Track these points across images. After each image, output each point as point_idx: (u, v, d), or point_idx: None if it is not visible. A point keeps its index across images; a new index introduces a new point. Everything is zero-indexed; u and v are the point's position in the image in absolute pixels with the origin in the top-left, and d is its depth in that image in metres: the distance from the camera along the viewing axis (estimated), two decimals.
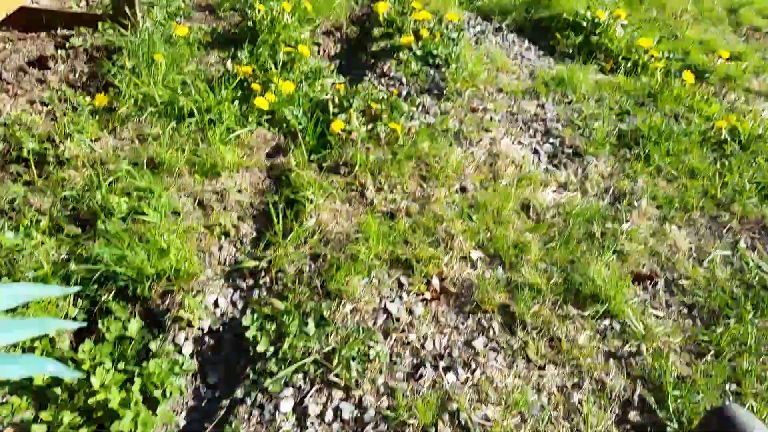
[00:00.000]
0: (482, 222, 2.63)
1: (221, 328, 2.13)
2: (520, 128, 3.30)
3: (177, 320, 2.08)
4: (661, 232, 2.66)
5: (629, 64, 3.87)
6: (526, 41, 4.17)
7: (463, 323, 2.23)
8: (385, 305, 2.24)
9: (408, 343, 2.13)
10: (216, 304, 2.19)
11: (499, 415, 1.93)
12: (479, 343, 2.16)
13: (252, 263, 2.34)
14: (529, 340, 2.17)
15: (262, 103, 3.07)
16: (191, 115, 2.98)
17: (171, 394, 1.88)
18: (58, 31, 3.74)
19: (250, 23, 3.74)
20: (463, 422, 1.90)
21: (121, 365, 1.90)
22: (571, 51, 4.04)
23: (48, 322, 1.23)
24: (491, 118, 3.32)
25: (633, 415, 1.99)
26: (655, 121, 3.28)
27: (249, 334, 2.03)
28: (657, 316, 2.32)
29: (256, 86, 3.18)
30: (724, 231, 2.72)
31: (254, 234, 2.54)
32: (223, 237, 2.46)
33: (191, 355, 2.04)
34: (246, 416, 1.88)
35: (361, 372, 1.99)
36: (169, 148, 2.77)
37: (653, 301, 2.39)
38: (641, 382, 2.09)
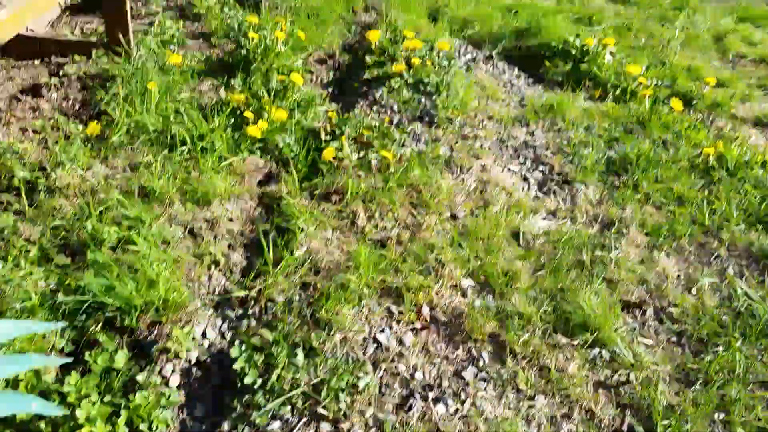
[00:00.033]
0: (472, 250, 2.64)
1: (209, 360, 2.12)
2: (510, 155, 3.33)
3: (164, 351, 2.07)
4: (649, 260, 2.68)
5: (618, 92, 3.92)
6: (516, 69, 4.22)
7: (453, 353, 2.23)
8: (374, 335, 2.24)
9: (397, 373, 2.12)
10: (204, 334, 2.18)
11: None
12: (469, 373, 2.15)
13: (241, 293, 2.34)
14: (519, 369, 2.17)
15: (254, 131, 3.09)
16: (183, 143, 3.00)
17: (157, 427, 1.87)
18: (53, 59, 3.77)
19: (243, 51, 3.78)
20: None
21: (107, 398, 1.89)
22: (560, 79, 4.09)
23: (32, 359, 1.23)
24: (482, 146, 3.35)
25: None
26: (644, 149, 3.31)
27: (237, 366, 2.02)
28: (646, 345, 2.32)
29: (248, 114, 3.21)
30: (712, 258, 2.73)
31: (244, 263, 2.54)
32: (212, 266, 2.46)
33: (178, 387, 2.03)
34: None
35: (350, 404, 1.98)
36: (161, 176, 2.78)
37: (642, 329, 2.39)
38: (630, 411, 2.09)
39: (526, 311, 2.36)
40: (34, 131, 3.07)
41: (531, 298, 2.44)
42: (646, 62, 4.29)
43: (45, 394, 1.85)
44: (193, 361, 2.10)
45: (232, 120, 3.22)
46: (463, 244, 2.66)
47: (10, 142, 2.87)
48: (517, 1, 5.24)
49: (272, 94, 3.46)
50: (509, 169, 3.21)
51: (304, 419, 1.93)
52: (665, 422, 2.03)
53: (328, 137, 3.19)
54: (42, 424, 1.77)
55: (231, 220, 2.71)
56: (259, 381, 2.00)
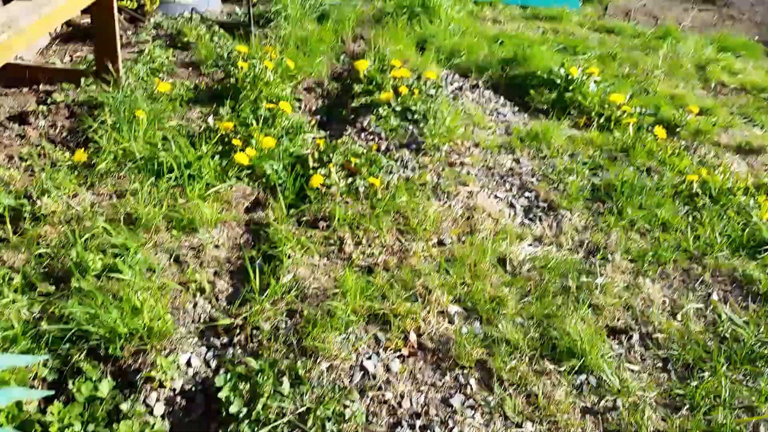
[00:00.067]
0: (459, 276, 2.65)
1: (194, 388, 2.10)
2: (497, 182, 3.36)
3: (149, 380, 2.05)
4: (635, 286, 2.70)
5: (602, 120, 3.97)
6: (502, 98, 4.28)
7: (440, 380, 2.22)
8: (361, 362, 2.23)
9: (385, 401, 2.11)
10: (189, 363, 2.16)
11: None
12: (457, 400, 2.14)
13: (227, 321, 2.33)
14: (507, 396, 2.16)
15: (242, 158, 3.10)
16: (171, 170, 3.00)
17: None
18: (41, 86, 3.79)
19: (232, 80, 3.81)
20: None
21: (90, 427, 1.87)
22: (545, 107, 4.14)
23: (13, 393, 1.22)
24: (468, 173, 3.37)
25: None
26: (628, 176, 3.35)
27: (222, 395, 2.00)
28: (632, 370, 2.33)
29: (236, 142, 3.22)
30: (697, 284, 2.75)
31: (230, 290, 2.53)
32: (198, 294, 2.45)
33: (163, 416, 2.00)
34: None
35: None
36: (147, 204, 2.77)
37: (628, 355, 2.40)
38: None
39: (513, 337, 2.36)
40: (21, 158, 3.07)
41: (518, 324, 2.45)
42: (629, 91, 4.36)
43: (26, 425, 1.82)
44: (178, 389, 2.08)
45: (220, 147, 3.24)
46: (450, 270, 2.67)
47: None
48: (502, 31, 5.32)
49: (260, 121, 3.48)
50: (495, 196, 3.24)
51: None
52: None
53: (316, 164, 3.20)
54: None
55: (217, 247, 2.71)
56: (245, 410, 1.98)
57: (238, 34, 4.58)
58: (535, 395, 2.17)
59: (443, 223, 2.98)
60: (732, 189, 3.29)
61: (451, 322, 2.45)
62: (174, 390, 2.08)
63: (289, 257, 2.62)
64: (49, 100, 3.56)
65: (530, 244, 2.92)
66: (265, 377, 2.06)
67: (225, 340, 2.29)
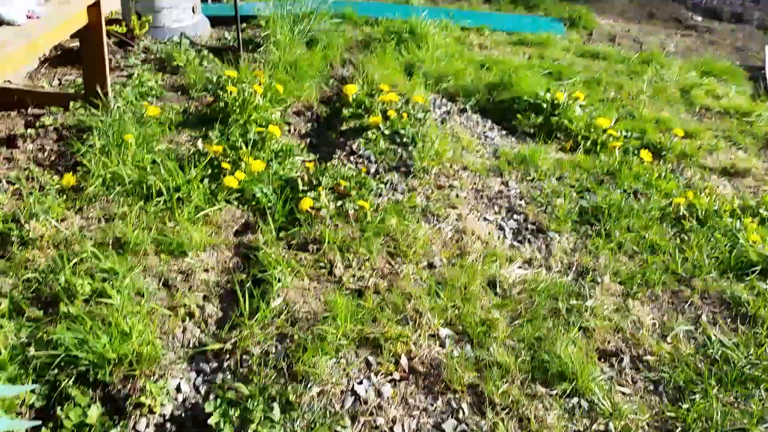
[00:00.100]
0: (450, 299, 2.65)
1: (183, 414, 2.07)
2: (485, 205, 3.37)
3: (138, 406, 2.02)
4: (624, 308, 2.71)
5: (588, 143, 4.02)
6: (490, 121, 4.32)
7: (432, 404, 2.20)
8: (353, 387, 2.21)
9: (376, 426, 2.09)
10: (178, 388, 2.13)
11: None
12: (449, 425, 2.13)
13: (216, 345, 2.31)
14: (499, 421, 2.15)
15: (231, 181, 3.10)
16: (160, 194, 2.99)
17: None
18: (29, 110, 3.78)
19: (222, 104, 3.82)
20: None
21: None
22: (532, 131, 4.19)
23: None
24: (457, 195, 3.39)
25: None
26: (615, 198, 3.39)
27: (212, 421, 1.97)
28: (624, 393, 2.33)
29: (226, 165, 3.22)
30: (686, 306, 2.77)
31: (220, 314, 2.51)
32: (187, 318, 2.43)
33: None
34: None
35: None
36: (136, 227, 2.76)
37: (620, 378, 2.40)
38: None
39: (505, 361, 2.36)
40: (9, 182, 3.05)
41: (509, 347, 2.44)
42: (615, 115, 4.42)
43: None
44: (168, 415, 2.05)
45: (210, 171, 3.23)
46: (440, 293, 2.67)
47: None
48: (489, 56, 5.39)
49: (250, 145, 3.48)
50: (485, 219, 3.25)
51: None
52: None
53: (305, 187, 3.21)
54: None
55: (206, 270, 2.69)
56: None
57: (227, 58, 4.60)
58: (527, 419, 2.16)
59: (433, 245, 2.99)
60: (718, 211, 3.33)
61: (442, 345, 2.44)
62: (164, 416, 2.05)
63: (279, 281, 2.61)
64: (37, 124, 3.55)
65: (520, 267, 2.93)
66: (256, 403, 2.04)
67: (215, 365, 2.26)
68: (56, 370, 2.06)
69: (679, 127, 4.29)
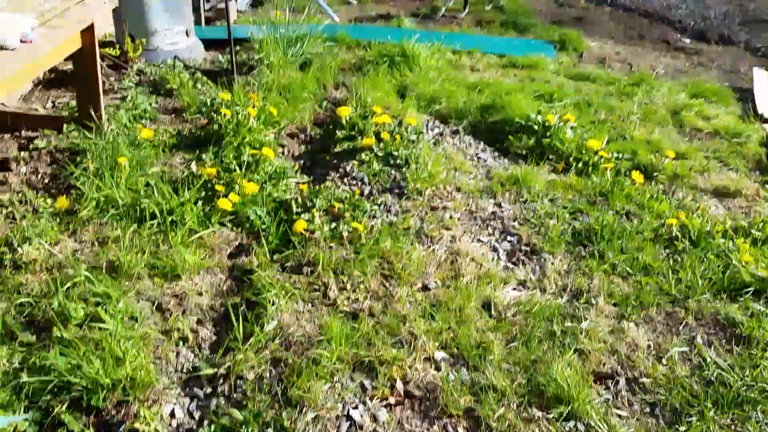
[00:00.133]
0: (445, 321, 2.64)
1: None
2: (479, 226, 3.38)
3: None
4: (619, 330, 2.71)
5: (580, 165, 4.04)
6: (482, 143, 4.34)
7: (428, 429, 2.19)
8: (348, 412, 2.19)
9: None
10: (172, 414, 2.11)
11: None
12: None
13: (210, 370, 2.29)
14: None
15: (225, 204, 3.10)
16: (153, 217, 2.98)
17: None
18: (23, 132, 3.77)
19: (215, 126, 3.83)
20: None
21: None
22: (524, 152, 4.21)
23: None
24: (451, 217, 3.40)
25: None
26: (608, 219, 3.40)
27: None
28: (620, 416, 2.32)
29: (220, 187, 3.22)
30: (681, 327, 2.77)
31: (214, 338, 2.49)
32: (181, 342, 2.41)
33: None
34: None
35: None
36: (129, 251, 2.75)
37: (616, 401, 2.39)
38: None
39: (501, 384, 2.35)
40: (2, 205, 3.03)
41: (505, 370, 2.43)
42: (606, 136, 4.45)
43: None
44: None
45: (204, 193, 3.23)
46: (435, 315, 2.67)
47: None
48: (480, 79, 5.43)
49: (244, 167, 3.49)
50: (478, 240, 3.26)
51: None
52: None
53: (299, 209, 3.21)
54: None
55: (200, 294, 2.68)
56: None
57: (221, 81, 4.62)
58: None
59: (427, 267, 2.99)
60: (711, 232, 3.35)
61: (437, 369, 2.43)
62: None
63: (273, 304, 2.60)
64: (31, 147, 3.55)
65: (514, 289, 2.93)
66: (250, 429, 2.02)
67: (209, 390, 2.24)
68: (49, 396, 2.04)
69: (670, 148, 4.32)
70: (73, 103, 4.04)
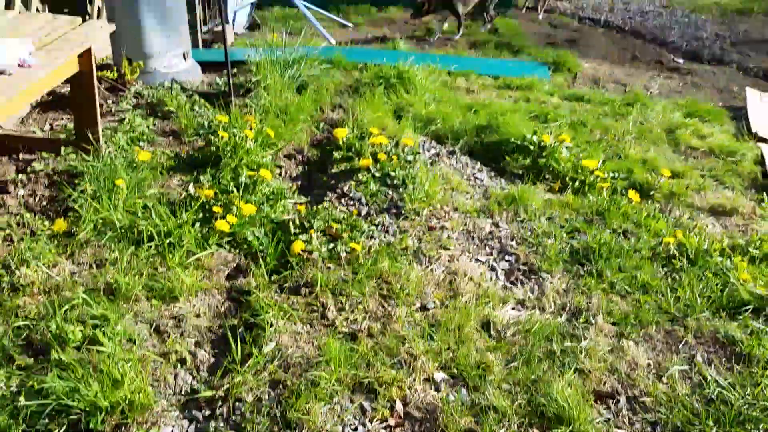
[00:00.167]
0: (444, 342, 2.63)
1: None
2: (477, 246, 3.39)
3: None
4: (619, 349, 2.70)
5: (576, 184, 4.06)
6: (478, 163, 4.36)
7: None
8: None
9: None
10: None
11: None
12: None
13: (208, 393, 2.27)
14: None
15: (222, 225, 3.10)
16: (151, 239, 2.98)
17: None
18: (20, 155, 3.77)
19: (213, 148, 3.84)
20: None
21: None
22: (520, 172, 4.23)
23: None
24: (448, 237, 3.40)
25: None
26: (605, 238, 3.41)
27: None
28: None
29: (217, 209, 3.23)
30: (681, 346, 2.77)
31: (212, 360, 2.48)
32: (179, 365, 2.39)
33: None
34: None
35: None
36: (127, 273, 2.74)
37: (617, 420, 2.38)
38: None
39: (501, 405, 2.33)
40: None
41: (505, 390, 2.42)
42: (602, 156, 4.49)
43: None
44: None
45: (201, 215, 3.23)
46: (434, 335, 2.66)
47: None
48: (476, 100, 5.48)
49: (241, 188, 3.49)
50: (477, 260, 3.26)
51: None
52: None
53: (297, 230, 3.21)
54: None
55: (198, 316, 2.67)
56: None
57: (218, 103, 4.64)
58: None
59: (426, 287, 2.98)
60: (708, 250, 3.36)
61: (437, 389, 2.42)
62: None
63: (271, 325, 2.59)
64: (28, 169, 3.55)
65: (513, 308, 2.93)
66: None
67: (207, 412, 2.23)
68: (47, 420, 2.02)
69: (666, 167, 4.35)
70: (71, 125, 4.05)
